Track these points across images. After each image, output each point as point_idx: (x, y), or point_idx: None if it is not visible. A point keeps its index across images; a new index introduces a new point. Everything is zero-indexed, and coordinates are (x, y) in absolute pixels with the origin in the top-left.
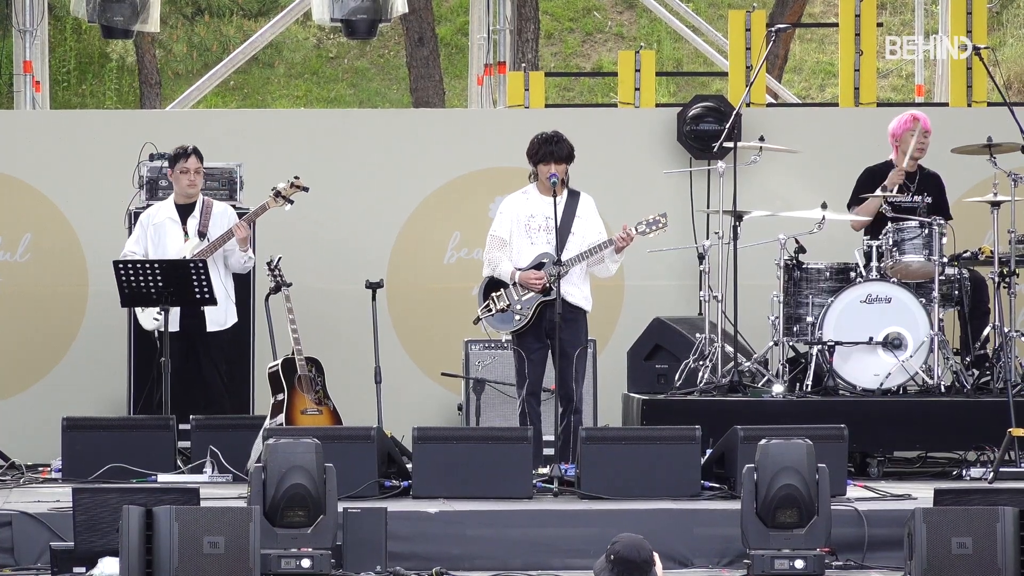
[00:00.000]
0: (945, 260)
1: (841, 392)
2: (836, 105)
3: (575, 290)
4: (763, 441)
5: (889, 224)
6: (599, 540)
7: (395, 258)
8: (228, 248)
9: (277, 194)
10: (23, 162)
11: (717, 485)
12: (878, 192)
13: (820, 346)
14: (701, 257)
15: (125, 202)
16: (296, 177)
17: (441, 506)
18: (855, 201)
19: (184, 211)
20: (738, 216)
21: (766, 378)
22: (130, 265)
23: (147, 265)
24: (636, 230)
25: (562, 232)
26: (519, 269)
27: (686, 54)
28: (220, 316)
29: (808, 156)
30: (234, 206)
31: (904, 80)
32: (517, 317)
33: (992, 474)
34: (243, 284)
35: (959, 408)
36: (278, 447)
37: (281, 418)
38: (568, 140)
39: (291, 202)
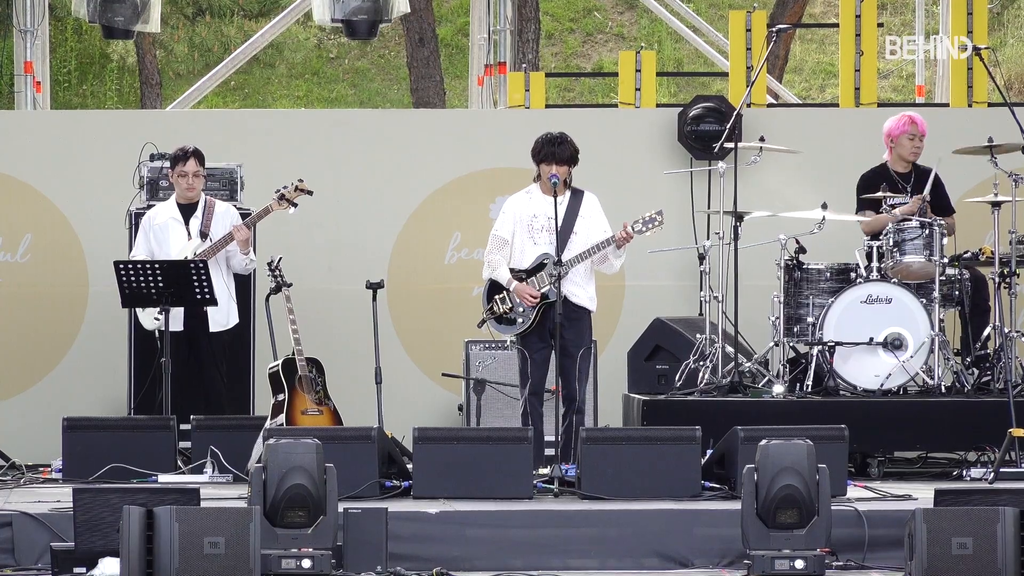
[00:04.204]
0: (946, 260)
1: (842, 392)
2: (836, 106)
3: (579, 290)
4: (763, 441)
5: (890, 224)
6: (599, 541)
7: (395, 258)
8: (230, 250)
9: (281, 197)
10: (24, 162)
11: (717, 485)
12: (888, 215)
13: (820, 346)
14: (701, 257)
15: (125, 202)
16: (300, 180)
17: (441, 506)
18: (861, 205)
19: (186, 211)
20: (738, 216)
21: (766, 378)
22: (131, 265)
23: (148, 265)
24: (633, 229)
25: (563, 232)
26: (520, 270)
27: (687, 54)
28: (222, 316)
29: (808, 156)
30: (235, 206)
31: (904, 80)
32: (520, 320)
33: (992, 474)
34: (244, 284)
35: (959, 408)
36: (278, 447)
37: (281, 418)
38: (573, 142)
39: (295, 205)
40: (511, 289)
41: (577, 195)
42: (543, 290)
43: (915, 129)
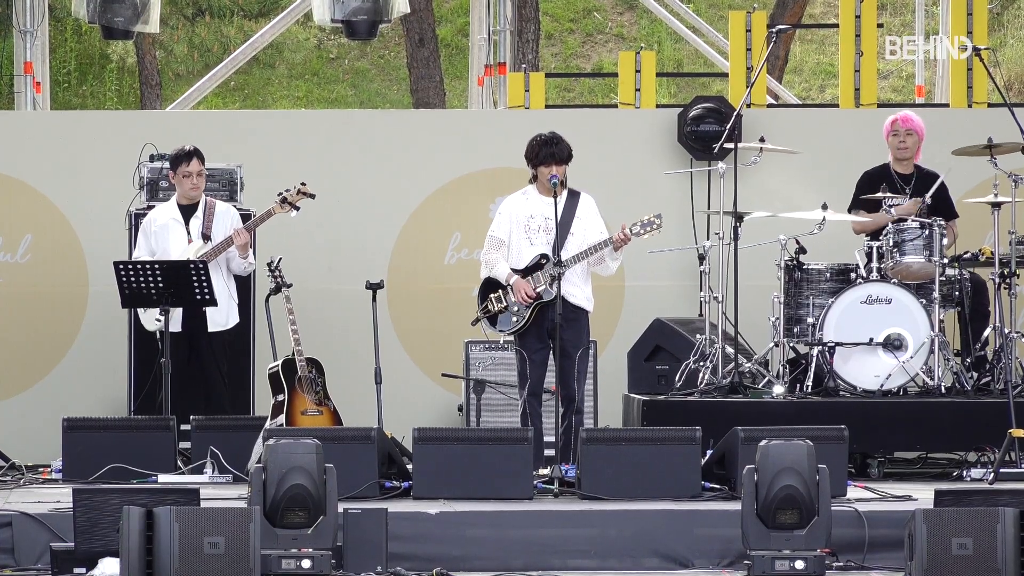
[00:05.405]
0: (945, 261)
1: (842, 393)
2: (836, 106)
3: (577, 291)
4: (763, 442)
5: (890, 225)
6: (599, 541)
7: (395, 258)
8: (229, 252)
9: (283, 200)
10: (24, 163)
11: (717, 486)
12: (884, 214)
13: (820, 347)
14: (701, 258)
15: (125, 203)
16: (303, 183)
17: (441, 507)
18: (856, 204)
19: (187, 211)
20: (738, 217)
21: (766, 379)
22: (130, 266)
23: (148, 266)
24: (631, 231)
25: (561, 232)
26: (516, 270)
27: (686, 55)
28: (221, 317)
29: (808, 157)
30: (235, 207)
31: (904, 81)
32: (514, 319)
33: (992, 475)
34: (243, 285)
35: (959, 409)
36: (278, 448)
37: (281, 419)
38: (566, 140)
39: (297, 208)
40: (511, 283)
41: (574, 196)
42: (539, 289)
43: (897, 126)
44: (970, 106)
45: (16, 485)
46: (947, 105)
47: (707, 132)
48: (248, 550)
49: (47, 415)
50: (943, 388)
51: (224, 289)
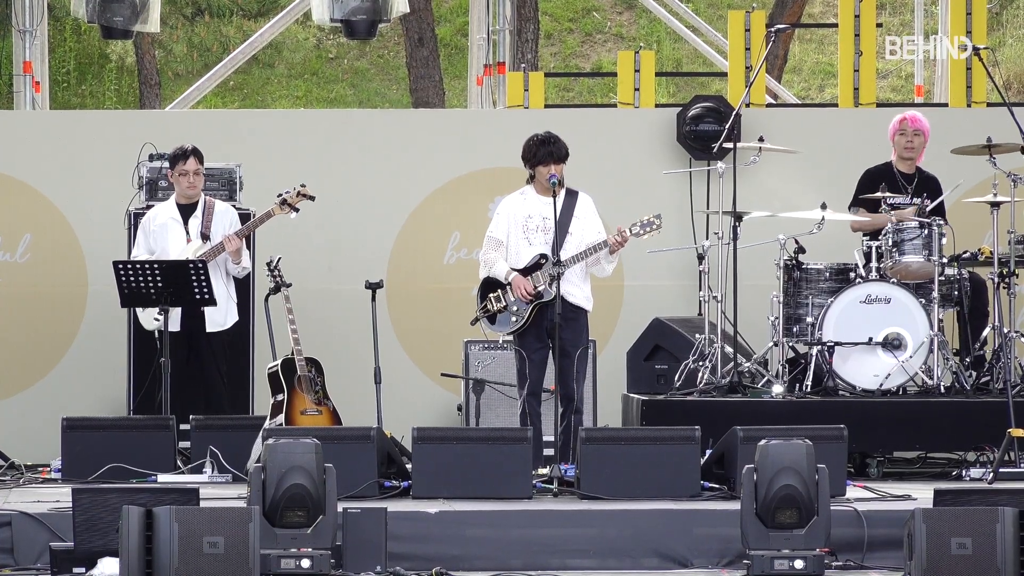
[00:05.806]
0: (945, 260)
1: (841, 392)
2: (836, 105)
3: (576, 290)
4: (763, 441)
5: (889, 224)
6: (599, 540)
7: (395, 258)
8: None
9: (283, 202)
10: (23, 162)
11: (717, 485)
12: (883, 215)
13: (820, 346)
14: (701, 257)
15: (125, 202)
16: (303, 185)
17: (441, 506)
18: (856, 203)
19: (186, 211)
20: (738, 216)
21: (766, 378)
22: (130, 265)
23: (147, 266)
24: (630, 232)
25: (560, 232)
26: (515, 270)
27: (685, 54)
28: (220, 316)
29: (808, 156)
30: (234, 207)
31: (904, 80)
32: (514, 319)
33: (992, 474)
34: (243, 285)
35: (959, 408)
36: (278, 447)
37: (281, 418)
38: (562, 139)
39: (296, 210)
40: (510, 281)
41: (572, 195)
42: (538, 288)
43: (905, 125)
44: (969, 106)
45: (15, 485)
46: (946, 105)
47: (706, 132)
48: (247, 550)
49: (47, 415)
50: (942, 388)
51: (223, 289)
